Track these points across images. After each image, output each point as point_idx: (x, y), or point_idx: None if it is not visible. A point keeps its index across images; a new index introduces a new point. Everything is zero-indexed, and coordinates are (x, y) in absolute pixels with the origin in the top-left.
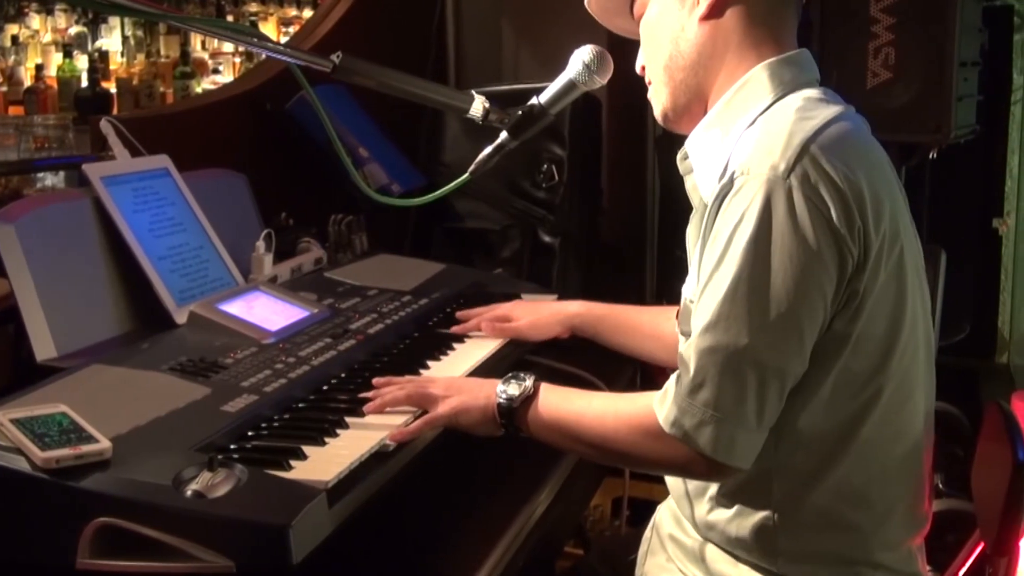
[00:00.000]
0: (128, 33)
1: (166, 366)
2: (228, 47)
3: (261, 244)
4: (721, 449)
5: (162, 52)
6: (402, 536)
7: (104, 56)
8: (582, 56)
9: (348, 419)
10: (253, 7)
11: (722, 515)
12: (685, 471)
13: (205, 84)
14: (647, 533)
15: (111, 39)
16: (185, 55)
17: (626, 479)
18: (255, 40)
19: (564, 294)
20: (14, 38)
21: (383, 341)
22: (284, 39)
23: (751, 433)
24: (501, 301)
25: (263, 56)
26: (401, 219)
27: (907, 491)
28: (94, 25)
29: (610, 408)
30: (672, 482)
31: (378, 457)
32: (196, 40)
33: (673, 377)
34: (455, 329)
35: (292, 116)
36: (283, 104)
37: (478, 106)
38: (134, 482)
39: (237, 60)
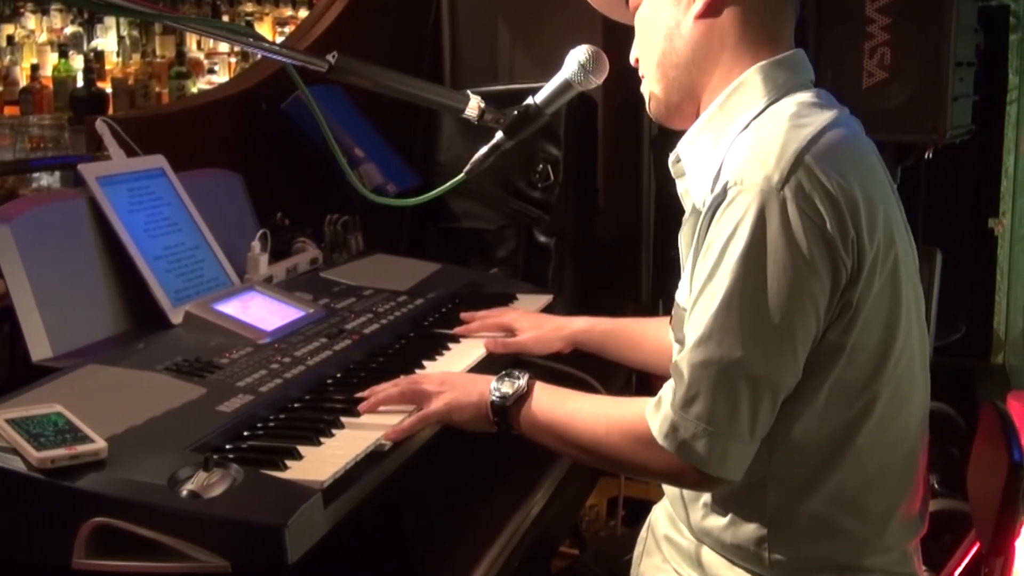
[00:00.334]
0: (124, 33)
1: (162, 366)
2: (224, 47)
3: (257, 244)
4: (714, 462)
5: (158, 52)
6: (398, 536)
7: (100, 56)
8: (578, 56)
9: (344, 419)
10: (249, 7)
11: (716, 522)
12: (676, 480)
13: (201, 84)
14: (643, 533)
15: (107, 39)
16: (181, 55)
17: (621, 479)
18: (251, 40)
19: (560, 294)
20: (10, 38)
21: (379, 341)
22: (280, 39)
23: (744, 445)
24: (497, 302)
25: (259, 56)
26: (397, 219)
27: (903, 496)
28: (90, 25)
29: (602, 412)
30: (667, 486)
31: (373, 457)
32: (192, 40)
33: (667, 386)
34: (457, 330)
35: (288, 116)
36: (279, 104)
37: (474, 106)
38: (130, 482)
39: (233, 60)
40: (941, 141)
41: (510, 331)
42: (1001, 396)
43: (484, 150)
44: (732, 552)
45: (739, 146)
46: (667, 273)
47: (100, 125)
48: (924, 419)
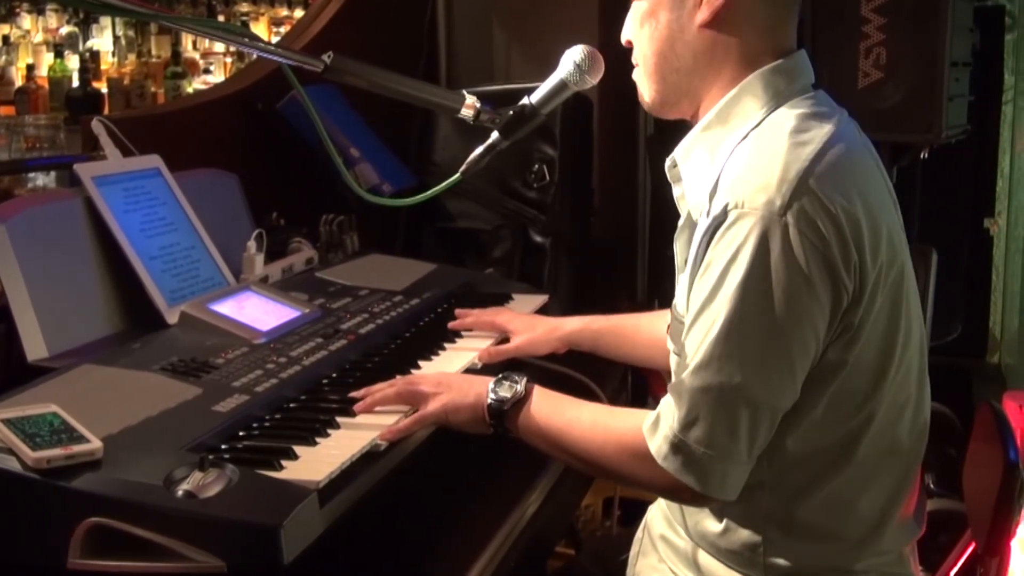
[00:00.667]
0: (119, 33)
1: (157, 366)
2: (219, 47)
3: (252, 244)
4: (713, 485)
5: (153, 52)
6: (393, 536)
7: (95, 56)
8: (573, 56)
9: (339, 419)
10: (244, 7)
11: (712, 527)
12: (671, 495)
13: (196, 84)
14: (639, 534)
15: (102, 39)
16: (176, 55)
17: None
18: (246, 40)
19: (555, 294)
20: (5, 38)
21: (374, 341)
22: (275, 39)
23: (742, 466)
24: (492, 302)
25: (254, 56)
26: (392, 219)
27: (899, 499)
28: (85, 25)
29: (600, 423)
30: None
31: (369, 457)
32: (187, 40)
33: (665, 404)
34: (452, 325)
35: (283, 116)
36: (274, 104)
37: (469, 106)
38: (125, 482)
39: (228, 60)
40: (937, 141)
41: (503, 332)
42: (997, 396)
43: (480, 150)
44: (728, 556)
45: (738, 159)
46: (662, 273)
47: (96, 125)
48: (922, 423)
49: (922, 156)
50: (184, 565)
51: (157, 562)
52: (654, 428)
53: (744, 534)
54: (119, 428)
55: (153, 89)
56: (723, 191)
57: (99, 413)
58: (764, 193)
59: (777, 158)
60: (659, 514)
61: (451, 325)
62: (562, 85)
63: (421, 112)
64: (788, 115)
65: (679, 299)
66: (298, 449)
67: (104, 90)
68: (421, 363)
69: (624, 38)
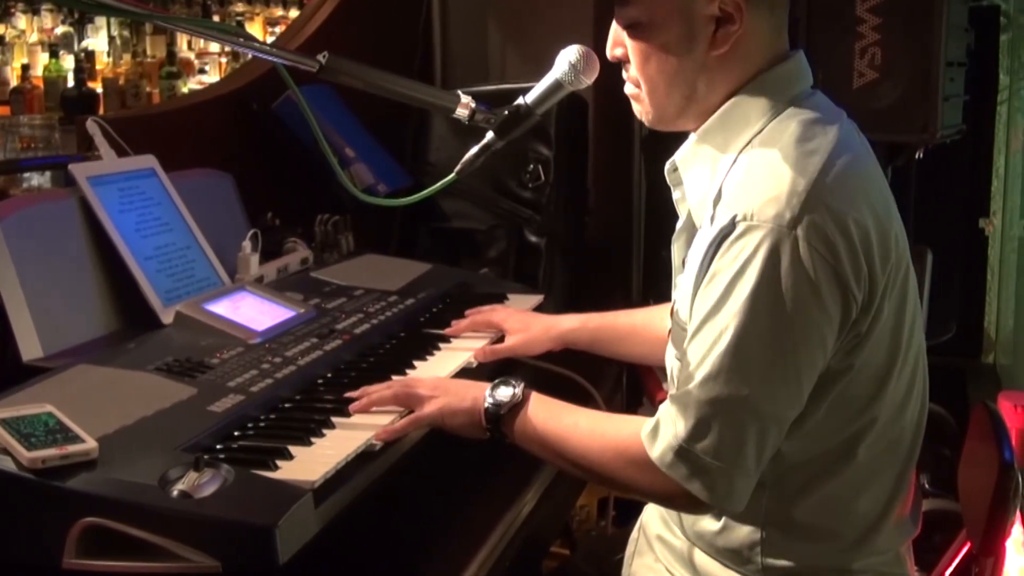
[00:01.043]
0: (114, 33)
1: (152, 366)
2: (214, 47)
3: (247, 244)
4: (719, 495)
5: (148, 52)
6: (388, 536)
7: (90, 56)
8: (568, 56)
9: (334, 419)
10: (239, 7)
11: (710, 526)
12: (668, 502)
13: (191, 84)
14: (634, 534)
15: (97, 39)
16: (171, 55)
17: None
18: (241, 40)
19: (550, 294)
20: (0, 38)
21: (369, 341)
22: (270, 39)
23: (748, 477)
24: (487, 301)
25: (249, 56)
26: (387, 219)
27: (896, 498)
28: (80, 25)
29: (598, 429)
30: None
31: (364, 457)
32: (182, 40)
33: (665, 411)
34: (447, 330)
35: (278, 116)
36: (269, 104)
37: (464, 106)
38: (120, 482)
39: (223, 60)
40: (932, 141)
41: (499, 330)
42: (992, 396)
43: (475, 150)
44: (725, 555)
45: (743, 167)
46: (657, 272)
47: (91, 125)
48: (921, 421)
49: (917, 156)
50: (179, 565)
51: (152, 562)
52: (653, 435)
53: (742, 533)
54: (114, 428)
55: (148, 89)
56: (729, 200)
57: (94, 413)
58: (774, 206)
59: (785, 170)
60: (655, 514)
61: (447, 332)
62: (557, 85)
63: (416, 112)
64: (791, 121)
65: (681, 305)
66: (293, 449)
67: (99, 90)
68: (416, 363)
69: (611, 52)
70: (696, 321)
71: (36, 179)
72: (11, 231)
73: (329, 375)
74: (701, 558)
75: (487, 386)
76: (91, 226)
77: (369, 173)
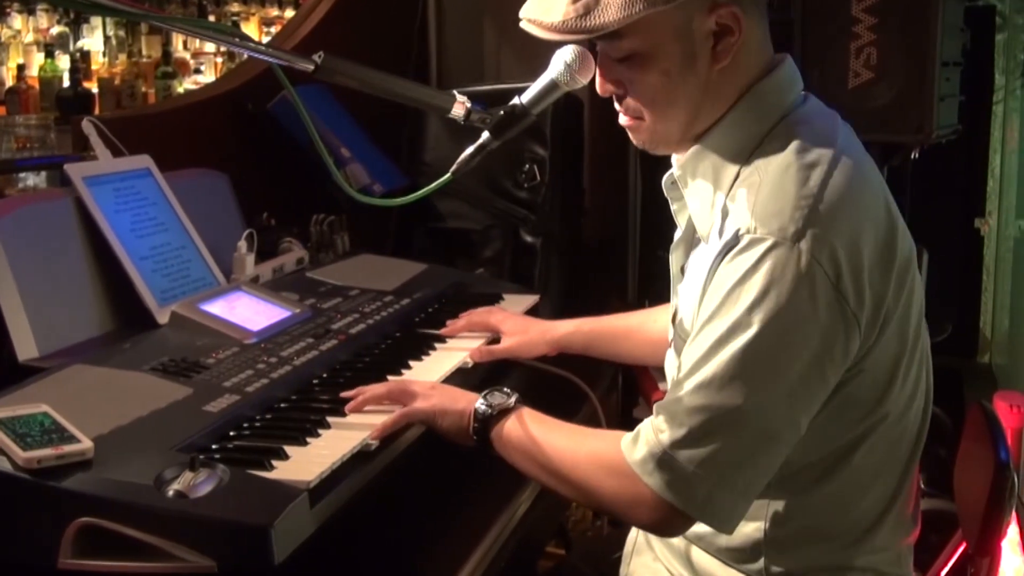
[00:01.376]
0: (110, 33)
1: (148, 366)
2: (210, 47)
3: (243, 244)
4: (696, 507)
5: (144, 52)
6: (384, 536)
7: (86, 56)
8: (564, 56)
9: (330, 419)
10: (235, 7)
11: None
12: (643, 516)
13: (187, 84)
14: (632, 533)
15: (93, 39)
16: (167, 55)
17: None
18: (237, 40)
19: (546, 294)
20: None
21: (365, 341)
22: (266, 39)
23: (733, 493)
24: (483, 302)
25: (245, 56)
26: (383, 219)
27: (897, 497)
28: (76, 25)
29: (579, 439)
30: None
31: (360, 457)
32: (178, 40)
33: (646, 420)
34: (443, 331)
35: (274, 116)
36: (265, 104)
37: (460, 106)
38: (116, 482)
39: (219, 60)
40: (927, 141)
41: (495, 332)
42: (988, 396)
43: (470, 150)
44: (725, 554)
45: (745, 181)
46: (653, 272)
47: (86, 125)
48: (924, 419)
49: (913, 156)
50: (175, 565)
51: (148, 562)
52: (634, 442)
53: (744, 532)
54: (110, 428)
55: (144, 89)
56: (734, 214)
57: (90, 413)
58: (777, 219)
59: (787, 183)
60: None
61: (442, 331)
62: (553, 85)
63: (412, 112)
64: (790, 132)
65: (684, 315)
66: (289, 449)
67: (95, 90)
68: (412, 363)
69: (603, 87)
70: (694, 329)
71: (32, 179)
72: (7, 231)
73: (325, 375)
74: (699, 556)
75: (481, 393)
76: (87, 226)
77: (365, 173)
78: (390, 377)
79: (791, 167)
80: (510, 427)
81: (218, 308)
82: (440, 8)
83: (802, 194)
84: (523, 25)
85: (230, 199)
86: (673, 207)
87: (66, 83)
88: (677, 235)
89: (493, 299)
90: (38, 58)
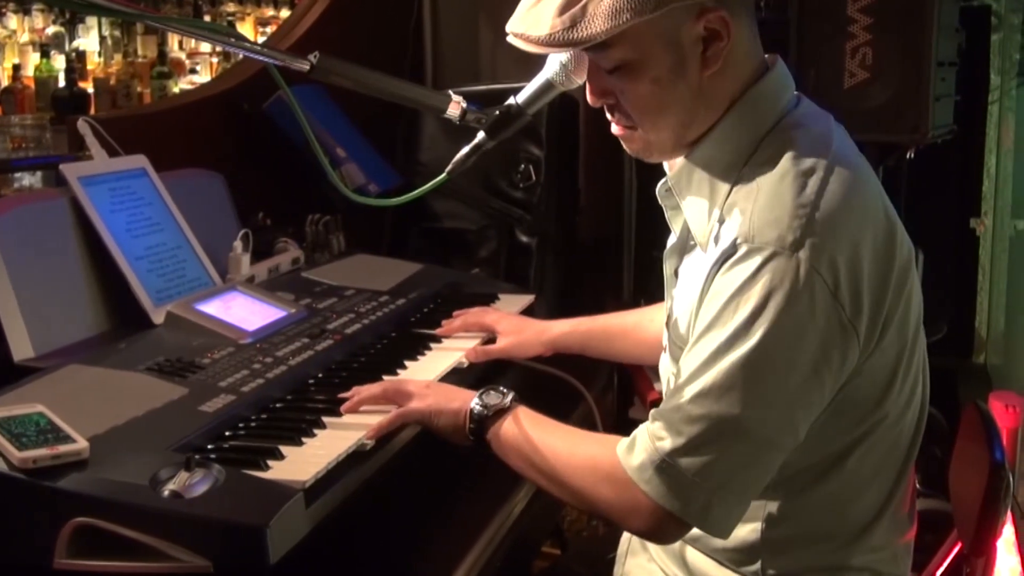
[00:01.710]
0: (105, 33)
1: (143, 366)
2: (205, 47)
3: (238, 244)
4: (693, 514)
5: (139, 52)
6: (379, 536)
7: (81, 56)
8: (559, 56)
9: (325, 419)
10: (230, 7)
11: None
12: (639, 523)
13: (182, 84)
14: (626, 534)
15: (88, 39)
16: (162, 55)
17: None
18: (232, 40)
19: (541, 294)
20: None
21: (360, 341)
22: (261, 39)
23: (732, 501)
24: (478, 302)
25: (240, 56)
26: (378, 219)
27: (894, 496)
28: (71, 25)
29: (575, 442)
30: None
31: (355, 457)
32: (173, 40)
33: (642, 427)
34: (439, 330)
35: (269, 116)
36: (260, 104)
37: (455, 106)
38: (111, 482)
39: (214, 60)
40: (923, 141)
41: (491, 332)
42: (983, 396)
43: (466, 150)
44: (721, 555)
45: (742, 190)
46: (648, 272)
47: (82, 125)
48: (921, 419)
49: (908, 156)
50: (170, 565)
51: (143, 562)
52: (630, 449)
53: (740, 533)
54: (105, 428)
55: (139, 89)
56: (731, 222)
57: (85, 413)
58: (775, 228)
59: (784, 191)
60: None
61: (438, 331)
62: (548, 85)
63: (407, 112)
64: (785, 138)
65: (679, 320)
66: (284, 449)
67: (90, 90)
68: (407, 363)
69: (595, 98)
70: (692, 337)
71: (27, 179)
72: (2, 232)
73: (320, 375)
74: (695, 557)
75: (477, 392)
76: (82, 226)
77: (360, 173)
78: (386, 377)
79: (787, 175)
80: (506, 428)
81: (214, 308)
82: (436, 8)
83: (799, 202)
84: (510, 39)
85: (226, 199)
86: (667, 214)
87: (62, 83)
88: (671, 241)
89: (488, 299)
90: (34, 58)
